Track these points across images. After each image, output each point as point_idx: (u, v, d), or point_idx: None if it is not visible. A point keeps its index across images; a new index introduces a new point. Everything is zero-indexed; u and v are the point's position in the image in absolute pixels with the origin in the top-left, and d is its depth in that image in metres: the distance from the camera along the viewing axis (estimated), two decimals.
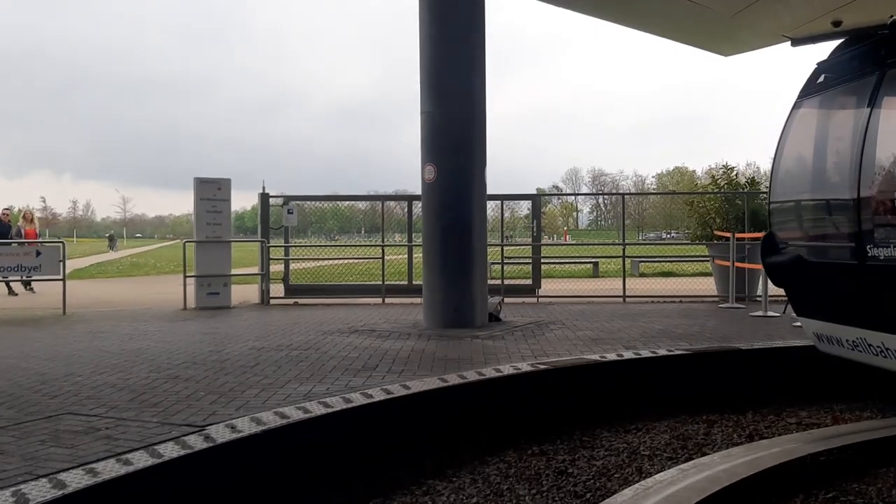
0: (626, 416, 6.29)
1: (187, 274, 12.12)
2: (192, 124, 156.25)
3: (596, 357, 6.70)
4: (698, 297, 13.13)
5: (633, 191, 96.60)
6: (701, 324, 9.39)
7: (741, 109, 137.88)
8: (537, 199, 13.66)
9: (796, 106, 6.62)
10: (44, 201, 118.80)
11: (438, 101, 8.82)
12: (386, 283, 12.94)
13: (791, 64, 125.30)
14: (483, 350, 7.27)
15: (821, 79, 6.49)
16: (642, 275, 20.09)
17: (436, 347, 7.47)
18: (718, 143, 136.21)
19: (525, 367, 6.20)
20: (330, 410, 4.68)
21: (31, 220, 18.20)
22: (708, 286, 13.80)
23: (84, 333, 8.91)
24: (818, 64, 6.67)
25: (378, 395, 5.10)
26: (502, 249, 12.90)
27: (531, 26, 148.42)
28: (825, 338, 6.21)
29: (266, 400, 5.09)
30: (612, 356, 6.76)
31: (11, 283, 15.32)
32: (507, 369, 6.07)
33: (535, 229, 13.03)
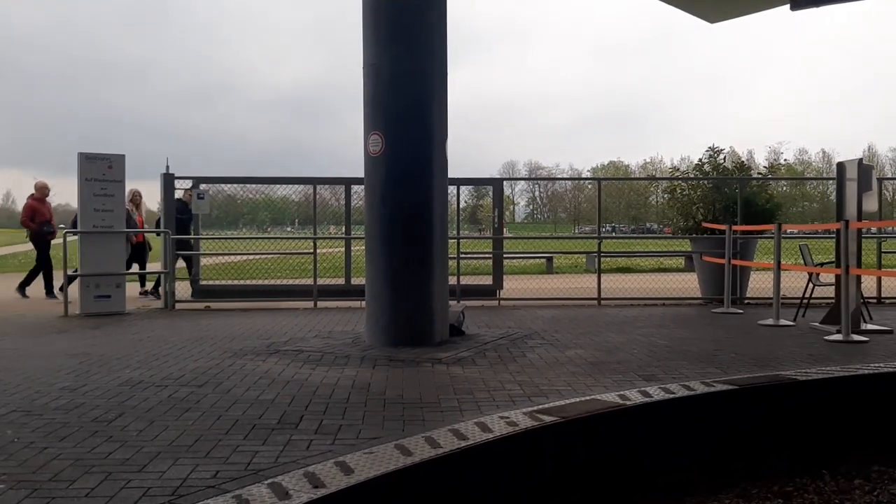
0: (665, 484, 4.37)
1: (70, 272, 9.78)
2: (124, 111, 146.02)
3: (614, 397, 4.74)
4: (681, 300, 11.37)
5: (580, 183, 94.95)
6: (711, 337, 7.57)
7: (672, 104, 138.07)
8: (499, 185, 11.64)
9: None
10: None
11: (387, 49, 6.72)
12: (319, 283, 10.77)
13: (722, 54, 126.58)
14: (451, 383, 5.24)
15: None
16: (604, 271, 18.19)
17: (386, 380, 5.40)
18: (650, 138, 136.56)
19: (522, 418, 4.19)
20: None
21: (139, 205, 13.17)
22: (680, 284, 12.05)
23: None
24: None
25: (300, 495, 3.01)
26: (458, 243, 10.86)
27: (471, 19, 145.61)
28: None
29: None
30: (635, 394, 4.81)
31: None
32: (496, 424, 4.05)
33: (496, 219, 11.04)
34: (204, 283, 11.11)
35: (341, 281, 11.09)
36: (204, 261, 11.48)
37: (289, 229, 17.33)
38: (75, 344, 7.23)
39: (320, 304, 10.58)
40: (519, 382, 5.25)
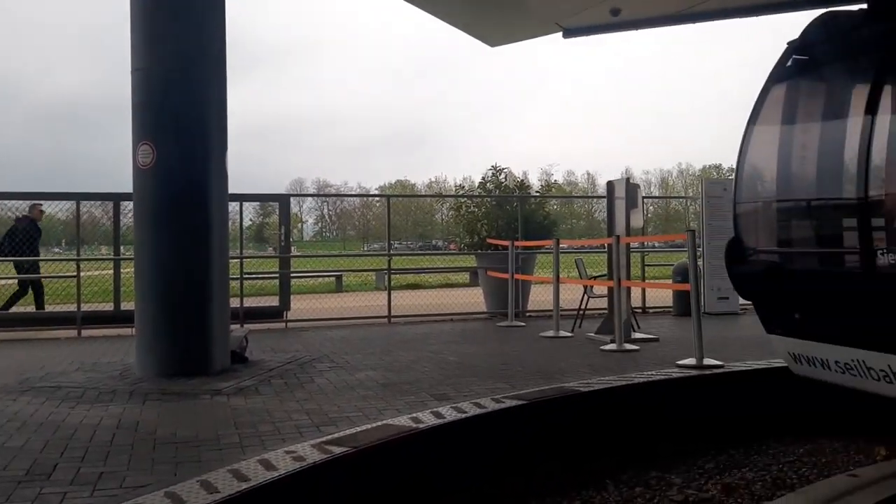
0: None
1: None
2: None
3: (406, 421, 4.59)
4: (468, 314, 11.56)
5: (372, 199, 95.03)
6: (498, 351, 7.72)
7: (454, 124, 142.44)
8: (286, 201, 11.23)
9: (766, 92, 5.58)
10: None
11: (158, 52, 6.18)
12: (84, 308, 9.76)
13: (504, 77, 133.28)
14: (233, 417, 4.83)
15: (797, 59, 5.49)
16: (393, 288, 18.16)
17: (157, 416, 4.88)
18: (434, 158, 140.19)
19: (310, 451, 3.90)
20: None
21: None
22: (467, 299, 12.30)
23: None
24: (789, 43, 5.57)
25: None
26: (241, 263, 10.31)
27: (261, 35, 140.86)
28: (804, 358, 5.17)
29: None
30: (427, 416, 4.69)
31: None
32: (281, 461, 3.74)
33: (282, 237, 10.63)
34: None
35: (110, 306, 10.13)
36: None
37: (56, 250, 15.73)
38: None
39: (85, 332, 9.57)
40: (307, 411, 4.95)
